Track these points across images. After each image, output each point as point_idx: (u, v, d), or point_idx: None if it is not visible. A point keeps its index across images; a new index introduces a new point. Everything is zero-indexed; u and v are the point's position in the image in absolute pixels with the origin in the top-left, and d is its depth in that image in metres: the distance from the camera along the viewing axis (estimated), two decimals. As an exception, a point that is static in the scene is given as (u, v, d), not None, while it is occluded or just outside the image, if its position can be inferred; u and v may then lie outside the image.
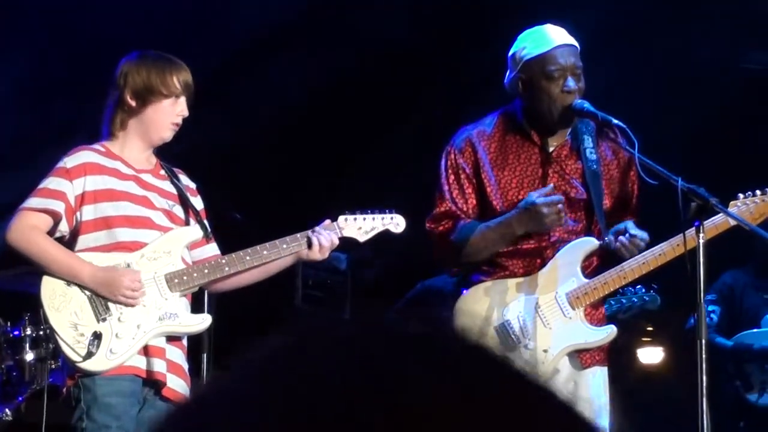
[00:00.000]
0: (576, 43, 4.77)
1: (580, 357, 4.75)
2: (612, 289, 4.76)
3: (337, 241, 4.60)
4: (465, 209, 4.78)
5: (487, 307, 4.71)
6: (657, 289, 6.54)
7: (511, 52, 4.82)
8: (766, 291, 7.26)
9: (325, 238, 4.55)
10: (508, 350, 4.98)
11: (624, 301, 6.53)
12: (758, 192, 4.75)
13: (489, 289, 4.74)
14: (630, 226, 4.63)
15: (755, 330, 7.17)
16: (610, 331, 4.74)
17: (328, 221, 4.63)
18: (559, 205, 4.56)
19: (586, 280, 4.71)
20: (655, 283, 6.37)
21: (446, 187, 4.81)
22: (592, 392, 4.74)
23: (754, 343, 7.11)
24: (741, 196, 4.74)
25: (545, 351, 4.66)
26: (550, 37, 4.74)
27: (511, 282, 4.72)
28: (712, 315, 7.23)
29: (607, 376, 4.83)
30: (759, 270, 7.30)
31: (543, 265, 4.72)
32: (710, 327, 7.20)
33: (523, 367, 1.21)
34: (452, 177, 4.81)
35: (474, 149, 4.80)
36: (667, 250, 4.67)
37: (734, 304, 7.29)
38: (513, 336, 4.68)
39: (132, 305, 4.33)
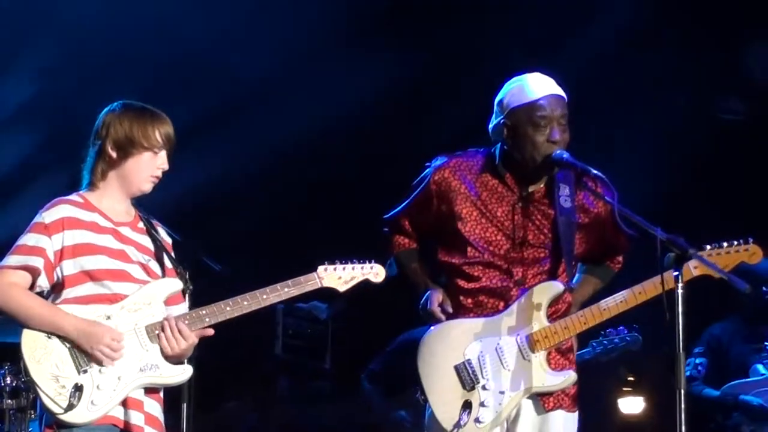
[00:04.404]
0: (563, 94, 4.79)
1: (543, 400, 4.75)
2: (573, 334, 4.76)
3: None
4: (412, 230, 4.97)
5: (450, 345, 4.73)
6: (638, 329, 6.52)
7: (498, 98, 4.85)
8: (753, 341, 7.26)
9: None
10: (466, 389, 5.00)
11: (606, 342, 6.51)
12: (724, 243, 4.75)
13: (454, 327, 4.78)
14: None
15: (742, 380, 7.16)
16: (568, 376, 4.74)
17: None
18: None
19: (548, 324, 4.72)
20: (636, 323, 6.37)
21: (413, 201, 4.95)
22: (555, 437, 4.73)
23: (740, 393, 7.11)
24: (708, 247, 4.75)
25: (502, 393, 4.66)
26: (539, 86, 4.76)
27: (476, 322, 4.75)
28: (700, 367, 7.22)
29: (575, 422, 4.81)
30: (746, 320, 7.30)
31: (507, 306, 4.74)
32: (698, 379, 7.22)
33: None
34: (422, 196, 4.91)
35: (453, 176, 4.86)
36: (635, 294, 4.71)
37: (722, 354, 7.27)
38: (472, 375, 4.69)
39: (105, 364, 4.33)
